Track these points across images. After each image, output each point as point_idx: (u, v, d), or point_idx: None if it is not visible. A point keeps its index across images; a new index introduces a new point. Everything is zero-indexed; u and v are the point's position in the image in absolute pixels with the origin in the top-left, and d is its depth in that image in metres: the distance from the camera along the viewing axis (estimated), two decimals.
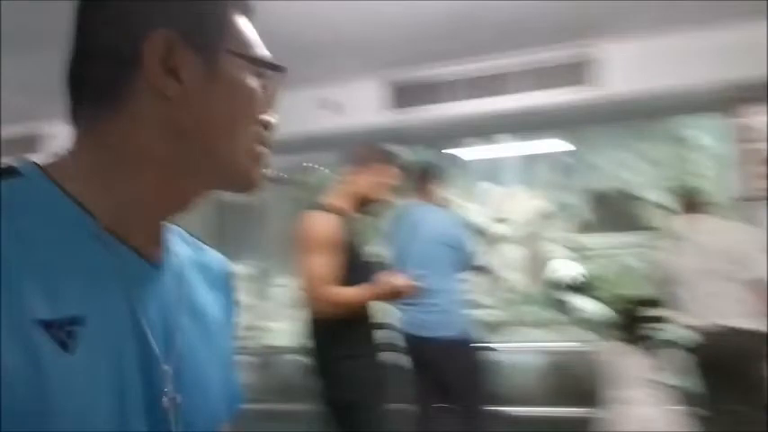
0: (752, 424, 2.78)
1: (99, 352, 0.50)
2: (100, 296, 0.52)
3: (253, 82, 0.60)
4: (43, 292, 0.48)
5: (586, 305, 7.70)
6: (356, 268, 2.25)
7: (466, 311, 3.07)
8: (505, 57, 3.42)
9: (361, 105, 3.67)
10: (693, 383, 3.02)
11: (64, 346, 0.48)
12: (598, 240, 10.82)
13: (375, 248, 3.24)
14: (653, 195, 11.45)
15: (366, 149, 2.47)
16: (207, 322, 0.66)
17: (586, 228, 11.87)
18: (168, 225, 0.63)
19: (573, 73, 3.31)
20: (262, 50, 0.62)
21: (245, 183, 0.61)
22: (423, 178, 3.13)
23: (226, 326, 0.71)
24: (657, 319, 2.88)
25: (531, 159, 13.25)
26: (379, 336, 2.46)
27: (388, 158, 2.47)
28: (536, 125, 4.20)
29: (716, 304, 2.83)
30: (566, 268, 8.07)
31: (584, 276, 7.88)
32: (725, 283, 2.81)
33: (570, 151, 13.55)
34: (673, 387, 2.80)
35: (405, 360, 3.15)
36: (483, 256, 7.91)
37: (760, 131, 3.41)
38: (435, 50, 3.34)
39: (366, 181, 2.40)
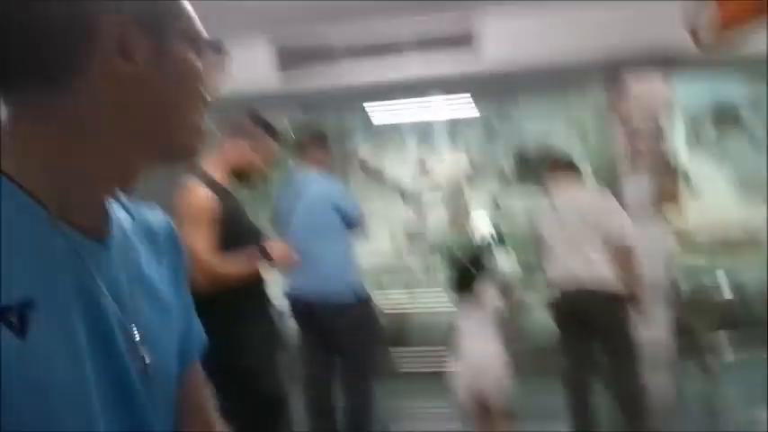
0: (607, 374, 3.04)
1: (51, 334, 0.50)
2: (48, 278, 0.52)
3: (197, 61, 0.63)
4: None
5: (502, 262, 8.02)
6: (237, 240, 2.22)
7: (354, 273, 3.14)
8: (391, 23, 3.42)
9: (248, 68, 3.59)
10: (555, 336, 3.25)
11: (18, 332, 0.47)
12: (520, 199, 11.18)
13: (263, 217, 3.25)
14: (575, 156, 11.82)
15: (242, 118, 2.42)
16: (155, 289, 0.67)
17: (510, 187, 12.23)
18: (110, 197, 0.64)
19: (457, 42, 3.36)
20: (202, 30, 0.64)
21: (188, 154, 0.65)
22: (306, 144, 3.13)
23: (177, 285, 0.73)
24: (478, 271, 2.99)
25: (459, 120, 13.42)
26: (269, 300, 2.47)
27: (266, 127, 2.43)
28: (420, 91, 4.24)
29: (574, 265, 3.03)
30: (481, 226, 8.33)
31: (495, 234, 8.14)
32: (584, 246, 3.00)
33: (498, 113, 13.77)
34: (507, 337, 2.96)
35: (294, 323, 3.22)
36: (409, 216, 8.08)
37: (636, 102, 3.58)
38: (322, 13, 3.30)
39: (242, 151, 2.36)
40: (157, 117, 0.60)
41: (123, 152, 0.60)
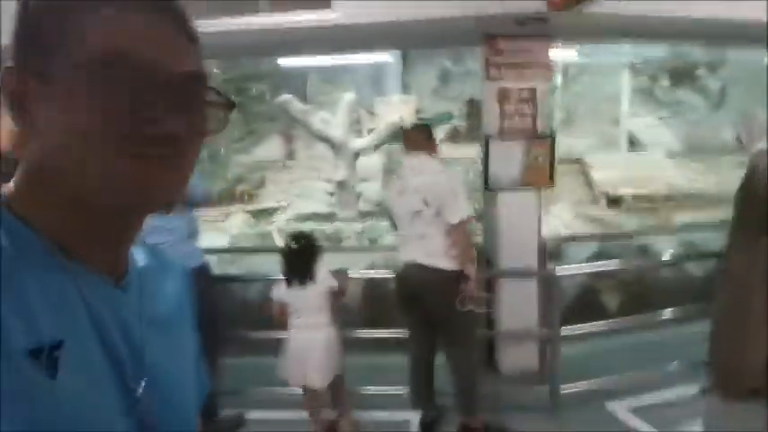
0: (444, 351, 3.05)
1: (78, 375, 0.50)
2: (68, 320, 0.52)
3: (104, 87, 0.51)
4: (21, 320, 0.48)
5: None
6: None
7: (195, 244, 3.05)
8: None
9: None
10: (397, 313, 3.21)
11: (49, 372, 0.48)
12: (466, 151, 11.03)
13: None
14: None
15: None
16: (171, 330, 0.66)
17: (457, 137, 12.05)
18: (130, 242, 0.62)
19: None
20: (121, 43, 0.52)
21: (110, 205, 0.55)
22: None
23: (188, 324, 0.73)
24: (311, 254, 2.87)
25: (411, 67, 13.09)
26: None
27: None
28: (278, 46, 4.02)
29: (414, 243, 2.93)
30: None
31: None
32: (423, 223, 2.90)
33: (454, 58, 13.40)
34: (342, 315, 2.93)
35: None
36: (338, 170, 7.80)
37: (509, 68, 3.42)
38: None
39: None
40: (60, 167, 0.54)
41: (71, 205, 0.55)
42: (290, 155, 10.37)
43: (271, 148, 10.43)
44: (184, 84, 0.55)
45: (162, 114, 0.53)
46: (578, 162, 8.58)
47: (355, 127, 8.85)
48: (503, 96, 3.45)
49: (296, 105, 7.40)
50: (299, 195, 8.98)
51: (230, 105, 0.60)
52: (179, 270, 0.75)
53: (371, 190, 8.36)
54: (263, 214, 8.69)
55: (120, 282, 0.60)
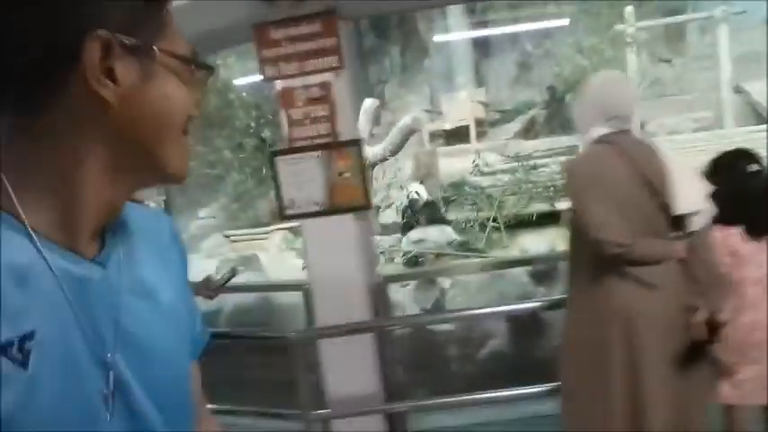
0: None
1: (52, 362, 0.51)
2: (44, 306, 0.52)
3: (184, 79, 0.61)
4: None
5: (428, 233, 6.87)
6: None
7: None
8: None
9: None
10: None
11: (21, 364, 0.49)
12: (538, 144, 9.60)
13: None
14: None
15: None
16: (158, 295, 0.66)
17: (532, 131, 10.57)
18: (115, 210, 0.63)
19: None
20: (190, 49, 0.63)
21: (178, 176, 0.63)
22: None
23: (182, 286, 0.73)
24: None
25: (486, 55, 11.87)
26: None
27: None
28: None
29: None
30: (414, 189, 7.15)
31: (422, 199, 6.92)
32: None
33: (533, 39, 11.87)
34: None
35: None
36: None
37: (287, 61, 2.60)
38: None
39: None
40: (144, 140, 0.59)
41: (114, 175, 0.58)
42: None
43: None
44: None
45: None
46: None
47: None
48: (287, 99, 2.67)
49: None
50: None
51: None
52: (169, 230, 0.74)
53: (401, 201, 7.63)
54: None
55: (98, 255, 0.60)
